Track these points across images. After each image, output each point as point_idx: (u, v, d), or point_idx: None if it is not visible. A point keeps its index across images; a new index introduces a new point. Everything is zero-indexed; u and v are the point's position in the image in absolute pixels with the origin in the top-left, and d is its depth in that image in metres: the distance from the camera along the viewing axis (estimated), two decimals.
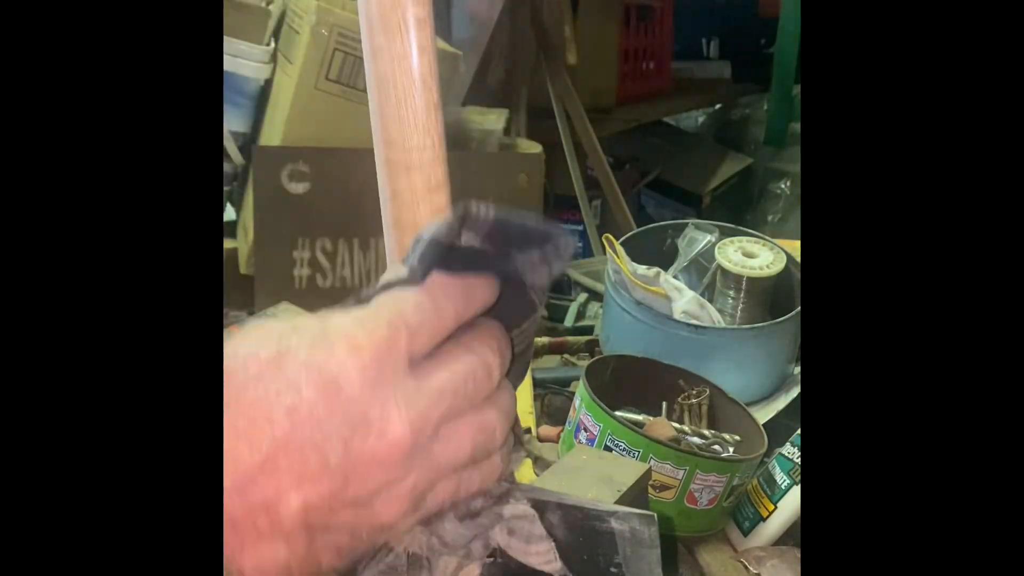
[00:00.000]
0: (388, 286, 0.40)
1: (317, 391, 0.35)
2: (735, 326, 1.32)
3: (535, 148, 1.76)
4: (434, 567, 0.44)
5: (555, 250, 0.42)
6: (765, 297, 1.36)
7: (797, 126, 3.42)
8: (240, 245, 1.61)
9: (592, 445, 1.02)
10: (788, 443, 1.05)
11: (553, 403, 1.30)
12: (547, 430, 1.21)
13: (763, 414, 1.21)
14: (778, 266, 1.32)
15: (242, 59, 1.57)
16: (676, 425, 1.11)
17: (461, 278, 0.40)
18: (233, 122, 1.57)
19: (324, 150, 1.47)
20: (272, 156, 1.46)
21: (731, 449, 1.10)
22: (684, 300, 1.29)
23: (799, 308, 1.28)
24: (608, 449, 1.00)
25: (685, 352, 1.23)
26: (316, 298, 1.49)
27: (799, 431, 1.05)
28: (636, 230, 1.51)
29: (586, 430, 1.04)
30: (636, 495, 0.86)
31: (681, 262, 1.42)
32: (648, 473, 0.93)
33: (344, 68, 1.48)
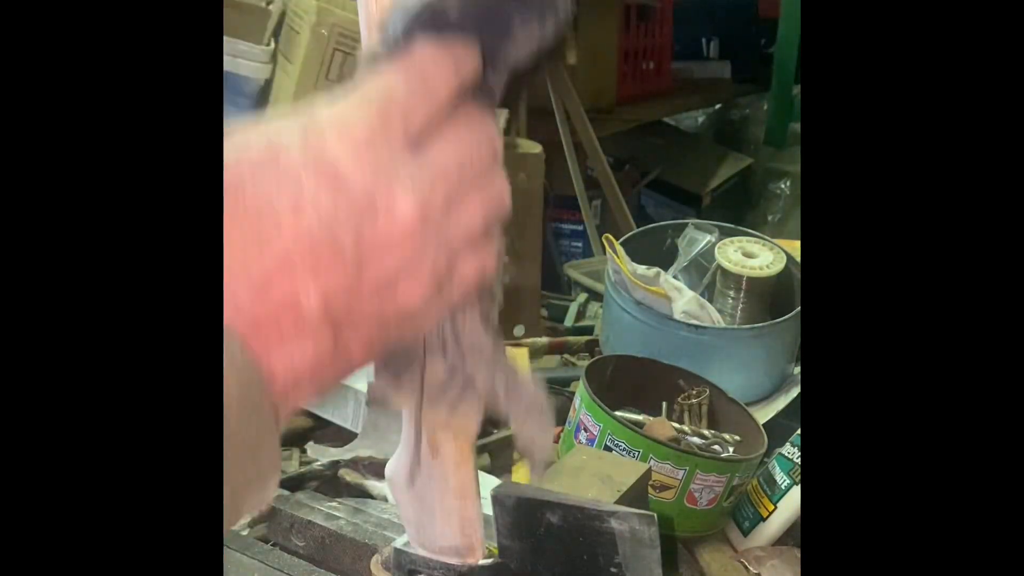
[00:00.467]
0: (372, 61, 0.38)
1: (317, 182, 0.34)
2: (735, 326, 1.32)
3: (535, 148, 1.76)
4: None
5: (552, 7, 0.41)
6: (765, 297, 1.36)
7: (797, 126, 3.42)
8: None
9: (592, 445, 1.02)
10: (788, 443, 1.05)
11: (553, 403, 1.30)
12: None
13: (763, 414, 1.21)
14: (778, 266, 1.32)
15: (242, 59, 1.57)
16: (676, 425, 1.11)
17: (449, 48, 0.38)
18: (233, 122, 1.57)
19: None
20: None
21: (731, 449, 1.10)
22: (684, 300, 1.29)
23: (799, 308, 1.28)
24: (608, 449, 1.00)
25: (685, 352, 1.23)
26: None
27: (799, 431, 1.05)
28: (636, 230, 1.51)
29: (586, 430, 1.04)
30: (636, 495, 0.86)
31: (681, 262, 1.43)
32: (648, 473, 0.93)
33: (344, 68, 1.48)
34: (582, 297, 1.77)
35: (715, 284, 1.38)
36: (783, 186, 3.31)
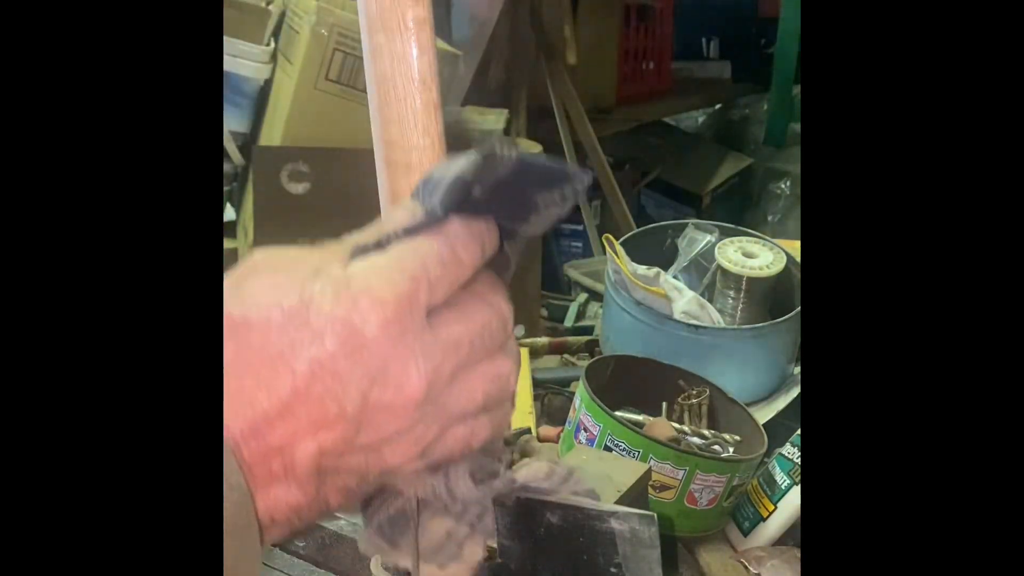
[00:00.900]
0: (409, 231, 0.39)
1: (340, 343, 0.36)
2: (735, 326, 1.32)
3: (535, 148, 1.76)
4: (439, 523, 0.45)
5: (572, 189, 0.42)
6: (765, 297, 1.36)
7: (797, 126, 3.42)
8: (240, 245, 1.61)
9: (592, 445, 1.02)
10: (788, 443, 1.05)
11: (553, 403, 1.31)
12: (547, 430, 1.21)
13: (763, 414, 1.21)
14: (778, 266, 1.32)
15: (242, 59, 1.57)
16: (676, 425, 1.11)
17: (477, 224, 0.40)
18: (233, 122, 1.57)
19: (324, 150, 1.47)
20: (272, 156, 1.46)
21: (731, 449, 1.10)
22: (684, 300, 1.30)
23: (799, 308, 1.28)
24: (608, 449, 1.00)
25: (685, 352, 1.23)
26: None
27: (799, 431, 1.05)
28: (636, 230, 1.51)
29: (586, 430, 1.04)
30: (636, 495, 0.86)
31: (681, 262, 1.43)
32: (648, 473, 0.93)
33: (344, 68, 1.48)
34: (582, 297, 1.77)
35: (715, 284, 1.38)
36: (783, 186, 3.31)
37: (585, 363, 1.32)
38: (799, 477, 1.01)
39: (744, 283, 1.34)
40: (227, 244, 1.63)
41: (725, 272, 1.34)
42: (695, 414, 1.16)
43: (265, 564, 0.87)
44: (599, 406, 1.02)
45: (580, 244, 2.80)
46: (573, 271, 1.92)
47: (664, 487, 0.99)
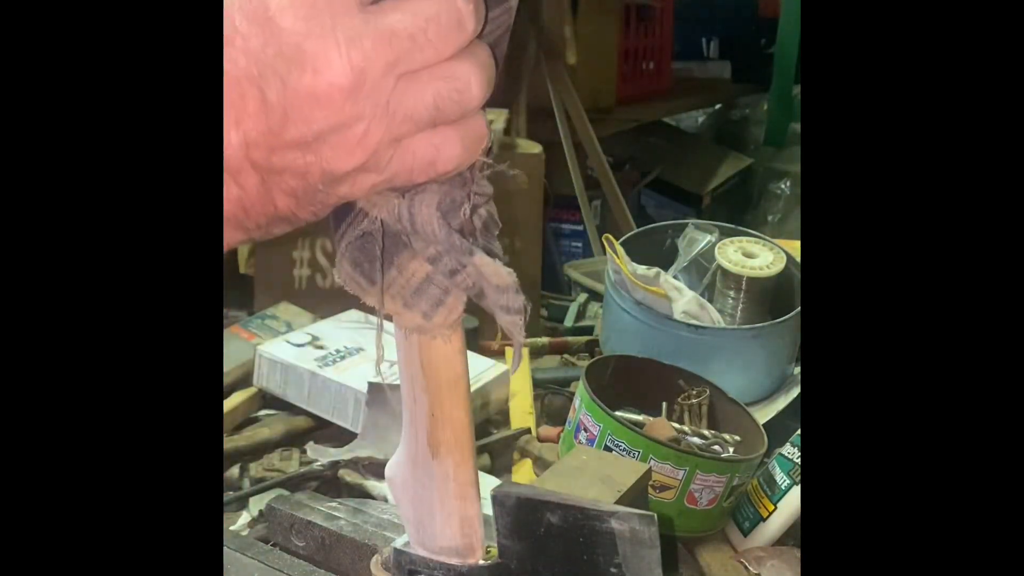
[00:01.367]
0: None
1: (249, 22, 0.34)
2: (735, 326, 1.32)
3: (535, 148, 1.76)
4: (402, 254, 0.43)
5: None
6: (765, 297, 1.36)
7: (797, 126, 3.42)
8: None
9: (592, 445, 1.02)
10: (788, 443, 1.05)
11: (553, 403, 1.30)
12: (547, 430, 1.21)
13: (763, 414, 1.21)
14: (778, 266, 1.32)
15: None
16: (676, 425, 1.11)
17: None
18: None
19: None
20: None
21: (731, 449, 1.10)
22: (684, 300, 1.29)
23: (799, 308, 1.28)
24: (608, 449, 1.00)
25: (685, 352, 1.23)
26: (316, 298, 1.49)
27: (799, 431, 1.05)
28: (636, 230, 1.51)
29: (586, 430, 1.04)
30: (636, 495, 0.86)
31: (681, 262, 1.42)
32: (648, 473, 0.93)
33: None
34: (582, 297, 1.77)
35: (715, 284, 1.38)
36: (783, 186, 3.31)
37: (585, 363, 1.32)
38: (799, 477, 1.01)
39: (744, 283, 1.34)
40: None
41: (725, 272, 1.34)
42: (695, 414, 1.16)
43: (265, 564, 0.87)
44: (599, 406, 1.02)
45: (580, 244, 2.80)
46: (573, 271, 1.92)
47: (664, 487, 0.99)
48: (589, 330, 1.60)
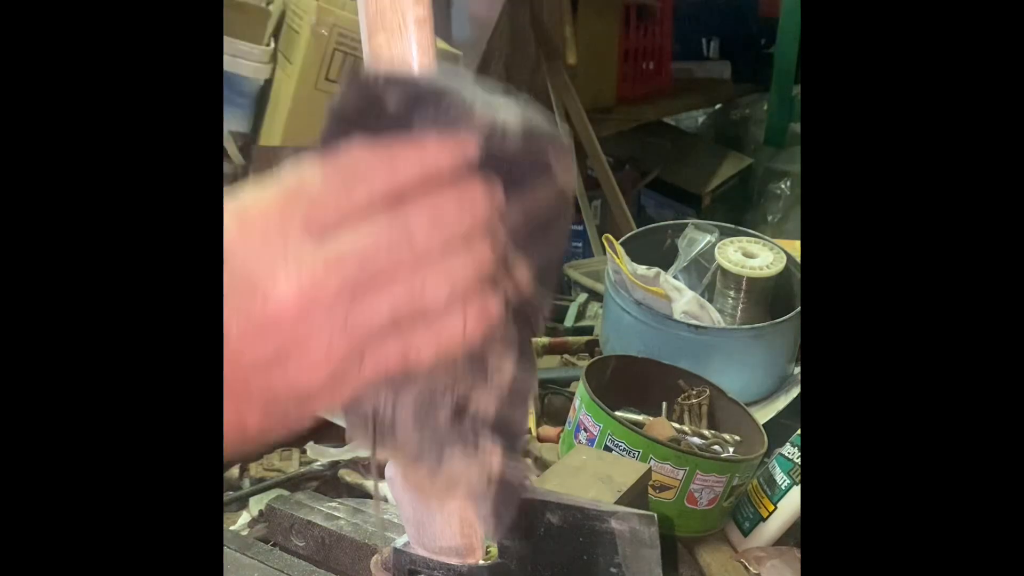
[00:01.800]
0: (300, 158, 0.39)
1: None
2: (735, 326, 1.32)
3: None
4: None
5: (452, 105, 0.39)
6: (765, 297, 1.36)
7: (797, 126, 3.41)
8: None
9: (592, 445, 1.02)
10: (788, 443, 1.05)
11: (553, 403, 1.31)
12: (547, 430, 1.21)
13: (763, 414, 1.21)
14: (778, 266, 1.33)
15: (242, 59, 1.57)
16: (676, 425, 1.11)
17: (385, 147, 0.38)
18: (233, 122, 1.57)
19: None
20: (272, 156, 1.46)
21: (731, 449, 1.10)
22: (684, 300, 1.30)
23: (799, 308, 1.28)
24: (608, 449, 1.00)
25: (685, 352, 1.23)
26: None
27: (799, 431, 1.05)
28: (636, 230, 1.51)
29: (586, 430, 1.04)
30: (636, 495, 0.86)
31: (681, 262, 1.43)
32: (648, 473, 0.93)
33: (344, 68, 1.48)
34: (582, 297, 1.77)
35: (715, 284, 1.38)
36: (783, 186, 3.31)
37: (585, 363, 1.32)
38: (799, 477, 1.01)
39: (744, 283, 1.34)
40: None
41: (725, 272, 1.34)
42: (695, 414, 1.16)
43: (265, 564, 0.87)
44: (599, 406, 1.02)
45: (580, 244, 2.80)
46: (573, 271, 1.92)
47: (664, 487, 0.99)
48: (589, 330, 1.60)
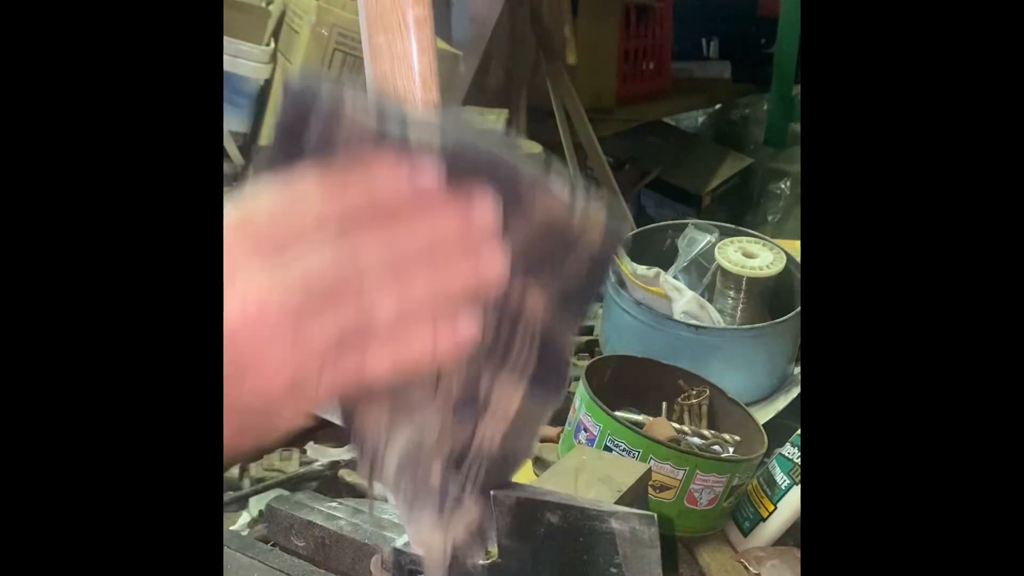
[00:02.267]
0: (263, 163, 0.40)
1: None
2: (735, 326, 1.32)
3: (535, 148, 1.76)
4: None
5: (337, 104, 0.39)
6: (765, 297, 1.36)
7: (797, 126, 3.41)
8: None
9: (592, 445, 1.02)
10: (788, 443, 1.05)
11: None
12: (547, 430, 1.21)
13: (763, 414, 1.21)
14: (778, 266, 1.33)
15: (242, 59, 1.57)
16: (676, 425, 1.11)
17: (331, 176, 0.39)
18: (233, 122, 1.57)
19: None
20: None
21: (731, 449, 1.10)
22: (684, 300, 1.30)
23: (799, 308, 1.28)
24: (608, 449, 1.00)
25: (685, 352, 1.23)
26: None
27: (799, 431, 1.05)
28: (636, 230, 1.51)
29: (586, 430, 1.04)
30: (636, 495, 0.86)
31: (681, 262, 1.43)
32: (648, 473, 0.93)
33: (344, 68, 1.48)
34: None
35: (715, 284, 1.38)
36: (783, 186, 3.31)
37: (585, 363, 1.32)
38: (799, 477, 1.01)
39: (744, 283, 1.34)
40: None
41: (725, 272, 1.34)
42: (695, 414, 1.16)
43: (265, 564, 0.87)
44: (599, 406, 1.02)
45: None
46: None
47: (664, 487, 0.99)
48: (589, 330, 1.60)
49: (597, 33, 2.99)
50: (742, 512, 1.05)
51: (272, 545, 0.92)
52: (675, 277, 1.38)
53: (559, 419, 1.22)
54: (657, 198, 3.35)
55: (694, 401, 1.16)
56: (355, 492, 1.07)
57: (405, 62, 0.45)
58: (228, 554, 0.87)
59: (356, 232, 0.39)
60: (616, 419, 1.01)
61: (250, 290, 0.37)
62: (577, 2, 2.84)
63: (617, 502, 0.81)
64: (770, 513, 1.02)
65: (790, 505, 1.01)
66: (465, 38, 2.29)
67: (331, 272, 0.38)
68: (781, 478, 1.02)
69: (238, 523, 1.02)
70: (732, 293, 1.35)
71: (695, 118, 3.83)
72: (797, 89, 3.44)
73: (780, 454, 1.05)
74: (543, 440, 1.18)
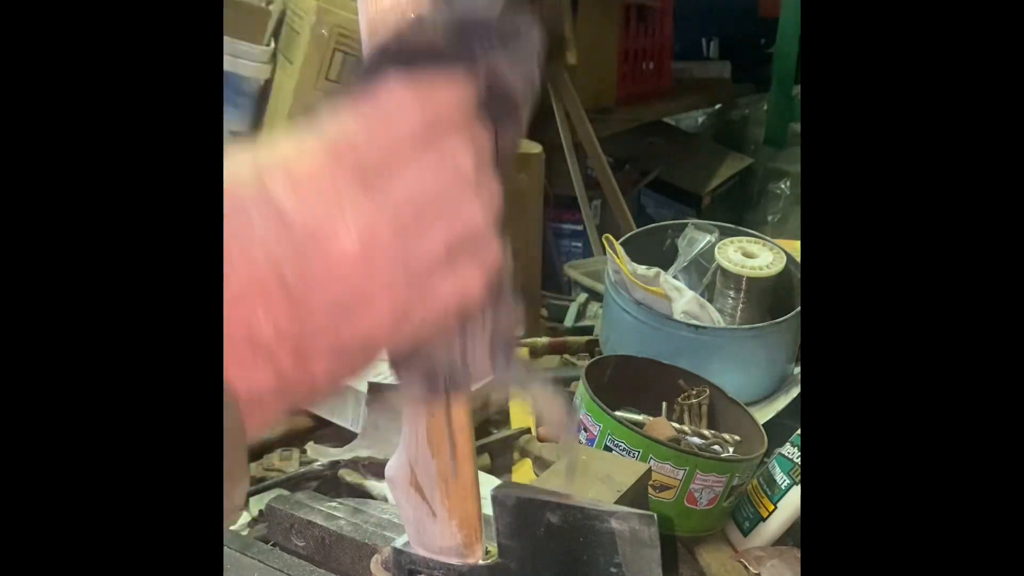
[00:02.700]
0: (338, 101, 0.39)
1: (264, 221, 0.36)
2: (735, 326, 1.32)
3: (535, 148, 1.76)
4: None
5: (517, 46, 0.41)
6: (765, 297, 1.36)
7: (797, 126, 3.41)
8: None
9: (592, 445, 1.02)
10: (788, 443, 1.05)
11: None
12: (547, 430, 1.21)
13: (763, 414, 1.21)
14: (778, 266, 1.32)
15: (242, 59, 1.57)
16: (676, 425, 1.11)
17: (418, 88, 0.39)
18: (233, 122, 1.57)
19: None
20: None
21: (731, 449, 1.10)
22: (684, 300, 1.29)
23: (799, 308, 1.28)
24: (608, 449, 1.00)
25: (685, 352, 1.23)
26: None
27: (799, 431, 1.05)
28: (636, 230, 1.51)
29: (586, 430, 1.04)
30: (636, 495, 0.86)
31: (681, 262, 1.42)
32: (648, 473, 0.93)
33: (344, 68, 1.48)
34: (582, 297, 1.77)
35: (715, 284, 1.38)
36: (783, 186, 3.31)
37: (585, 363, 1.32)
38: (799, 477, 1.01)
39: (744, 283, 1.34)
40: None
41: (725, 272, 1.34)
42: (695, 414, 1.16)
43: (265, 564, 0.87)
44: (599, 406, 1.02)
45: (580, 244, 2.80)
46: (573, 271, 1.92)
47: (664, 487, 0.99)
48: (589, 330, 1.60)
49: (597, 33, 2.99)
50: (742, 512, 1.05)
51: (272, 545, 0.92)
52: (675, 277, 1.38)
53: None
54: (657, 198, 3.35)
55: (694, 401, 1.16)
56: (355, 492, 1.07)
57: None
58: (228, 554, 0.87)
59: (447, 143, 0.39)
60: (616, 419, 1.01)
61: (360, 221, 0.36)
62: (577, 2, 2.84)
63: (617, 502, 0.81)
64: (770, 513, 1.02)
65: (790, 505, 1.01)
66: None
67: (431, 187, 0.38)
68: (781, 478, 1.02)
69: (238, 523, 1.02)
70: (732, 293, 1.35)
71: (695, 118, 3.83)
72: (797, 89, 3.44)
73: (780, 454, 1.05)
74: (543, 440, 1.18)
